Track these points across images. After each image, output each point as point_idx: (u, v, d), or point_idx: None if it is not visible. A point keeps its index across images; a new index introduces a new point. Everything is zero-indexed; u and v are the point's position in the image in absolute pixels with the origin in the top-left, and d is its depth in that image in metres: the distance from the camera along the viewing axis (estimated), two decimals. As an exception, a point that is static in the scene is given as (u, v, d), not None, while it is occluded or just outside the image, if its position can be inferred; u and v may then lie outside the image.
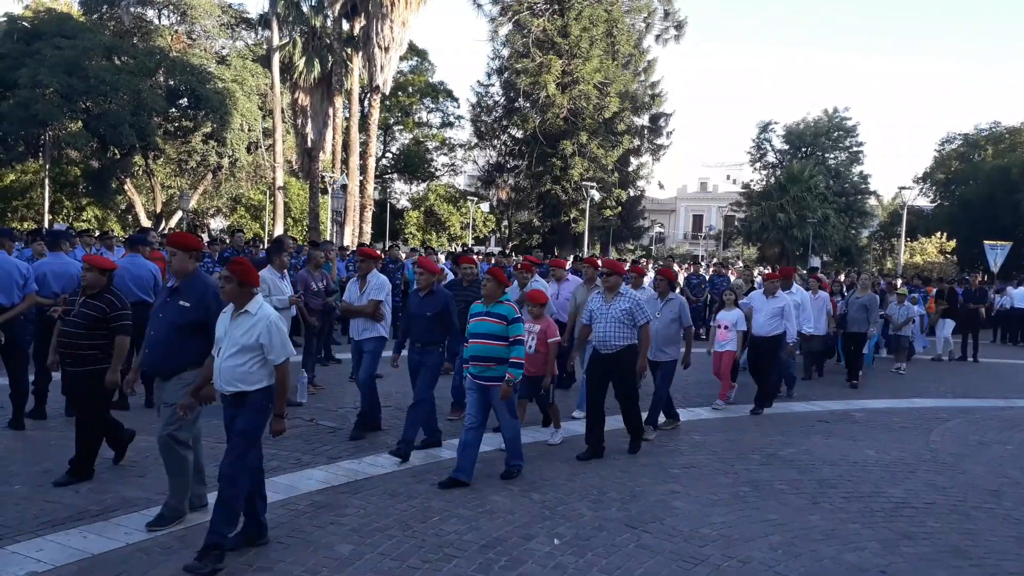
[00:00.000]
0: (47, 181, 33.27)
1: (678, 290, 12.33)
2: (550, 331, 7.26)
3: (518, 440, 6.52)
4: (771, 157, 53.74)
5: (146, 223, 33.30)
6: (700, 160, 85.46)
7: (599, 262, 9.02)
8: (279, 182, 33.10)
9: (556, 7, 40.03)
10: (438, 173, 55.42)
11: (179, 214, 35.69)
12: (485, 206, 51.32)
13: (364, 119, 34.77)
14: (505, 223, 49.28)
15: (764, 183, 52.03)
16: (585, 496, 6.07)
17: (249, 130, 34.84)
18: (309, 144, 33.80)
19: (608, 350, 7.22)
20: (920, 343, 16.89)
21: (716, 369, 10.05)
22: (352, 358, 7.98)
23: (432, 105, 53.43)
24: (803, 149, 51.94)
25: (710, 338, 10.14)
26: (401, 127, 53.79)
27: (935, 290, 18.97)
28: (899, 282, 20.99)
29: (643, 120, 44.29)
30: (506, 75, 41.64)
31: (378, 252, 8.36)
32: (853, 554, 5.13)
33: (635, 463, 7.12)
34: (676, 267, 21.27)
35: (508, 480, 6.28)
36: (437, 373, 7.01)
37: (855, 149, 51.57)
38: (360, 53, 30.90)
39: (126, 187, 34.92)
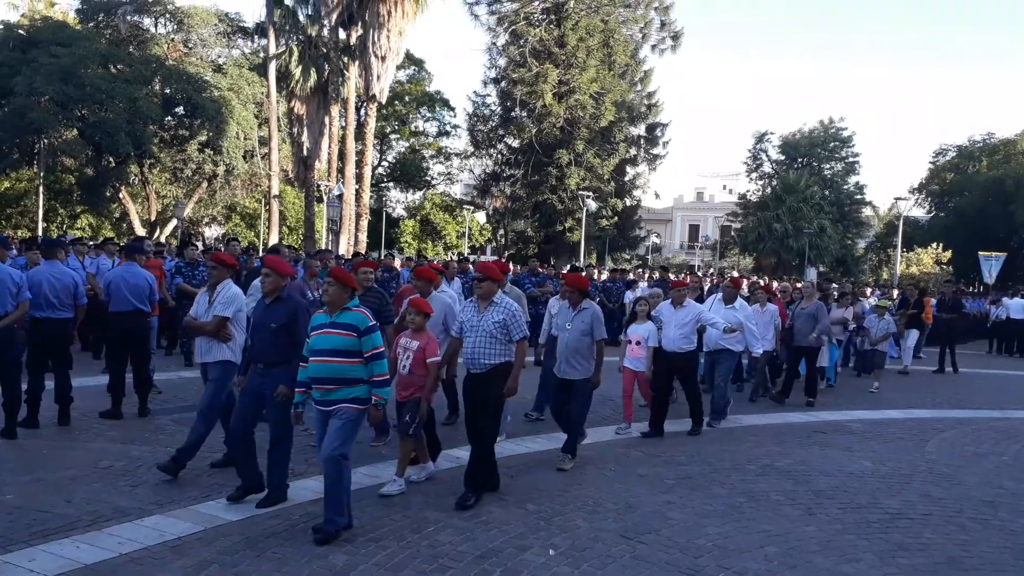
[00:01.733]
0: (41, 189, 33.19)
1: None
2: (430, 349, 6.12)
3: (341, 486, 5.10)
4: (767, 167, 53.97)
5: (141, 231, 33.26)
6: (696, 170, 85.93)
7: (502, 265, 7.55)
8: (275, 191, 33.06)
9: (553, 17, 40.24)
10: (434, 182, 55.48)
11: (174, 222, 35.65)
12: (481, 215, 51.35)
13: (360, 128, 34.84)
14: (501, 232, 49.31)
15: (760, 193, 52.24)
16: (580, 507, 6.04)
17: (245, 138, 34.83)
18: (305, 153, 33.81)
19: (478, 369, 6.13)
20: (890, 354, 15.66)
21: (628, 389, 8.87)
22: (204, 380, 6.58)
23: (428, 114, 53.52)
24: (799, 159, 52.18)
25: (622, 354, 8.94)
26: (397, 136, 53.83)
27: (902, 297, 18.13)
28: (895, 292, 20.73)
29: (639, 130, 44.46)
30: (503, 85, 41.79)
31: (233, 259, 6.78)
32: (849, 565, 5.12)
33: (631, 474, 7.10)
34: (672, 276, 21.11)
35: (324, 541, 4.99)
36: (289, 402, 5.50)
37: (851, 159, 51.82)
38: (357, 62, 30.98)
39: (121, 195, 34.87)
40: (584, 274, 14.55)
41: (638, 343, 8.71)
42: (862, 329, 14.09)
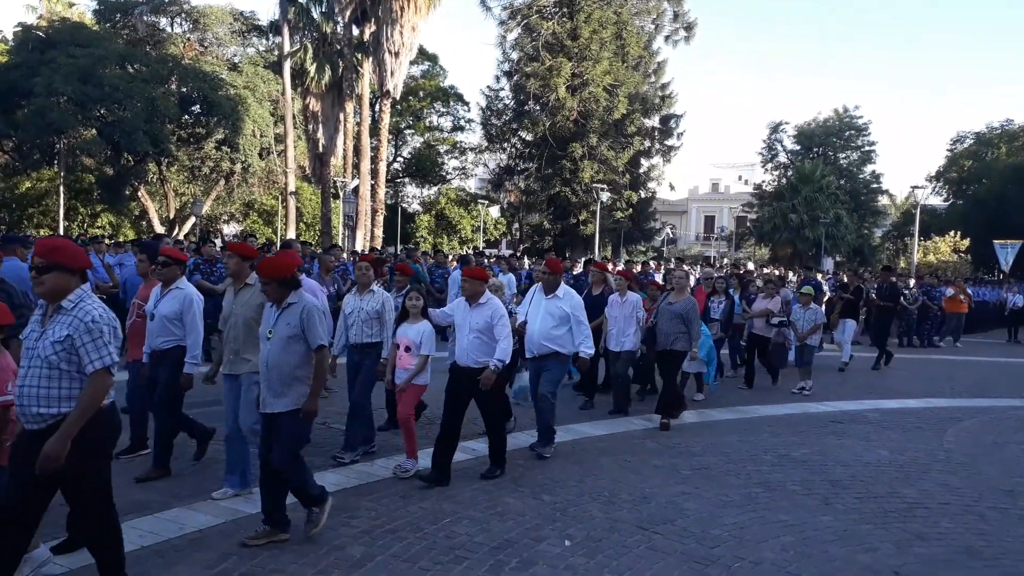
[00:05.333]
0: (62, 188, 33.57)
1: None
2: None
3: None
4: (782, 157, 53.69)
5: (160, 229, 33.57)
6: (711, 161, 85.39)
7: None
8: (291, 187, 33.25)
9: (565, 10, 40.14)
10: (449, 176, 55.53)
11: (192, 220, 35.95)
12: (495, 209, 51.35)
13: (375, 124, 34.93)
14: (516, 226, 49.32)
15: (776, 184, 51.98)
16: (596, 498, 6.07)
17: (261, 136, 35.10)
18: (320, 149, 33.95)
19: (33, 423, 3.74)
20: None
21: (400, 410, 6.54)
22: None
23: (443, 109, 53.50)
24: (814, 149, 51.88)
25: (389, 362, 6.72)
26: (412, 131, 53.89)
27: (837, 283, 16.41)
28: (818, 276, 18.29)
29: (653, 121, 44.26)
30: (516, 78, 41.72)
31: None
32: (866, 555, 5.11)
33: (646, 464, 7.10)
34: (686, 267, 19.98)
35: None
36: None
37: (867, 148, 51.47)
38: (371, 58, 31.03)
39: (140, 194, 35.23)
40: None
41: (407, 349, 6.48)
42: (789, 322, 11.74)
